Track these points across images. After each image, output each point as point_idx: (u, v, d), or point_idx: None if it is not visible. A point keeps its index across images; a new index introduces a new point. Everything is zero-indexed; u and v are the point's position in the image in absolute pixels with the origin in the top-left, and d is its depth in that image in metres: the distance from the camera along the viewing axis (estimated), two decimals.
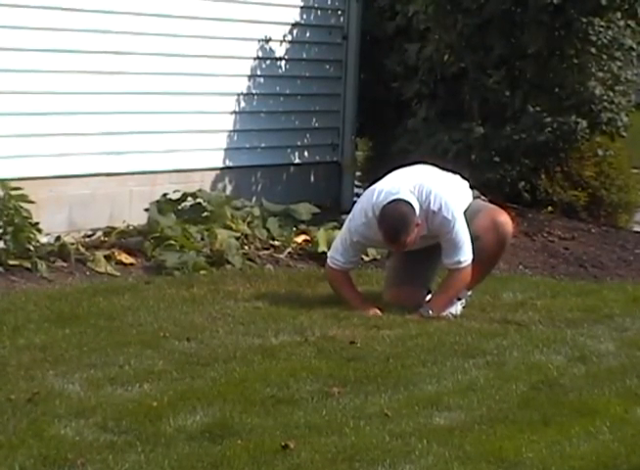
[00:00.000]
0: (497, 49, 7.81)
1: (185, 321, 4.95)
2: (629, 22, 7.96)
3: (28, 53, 6.45)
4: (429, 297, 5.66)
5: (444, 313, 5.38)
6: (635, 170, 9.76)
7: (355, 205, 5.70)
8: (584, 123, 7.88)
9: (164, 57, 7.24)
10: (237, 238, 6.65)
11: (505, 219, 5.50)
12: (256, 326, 4.86)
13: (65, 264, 6.20)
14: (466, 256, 5.33)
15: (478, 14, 7.71)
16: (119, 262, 6.36)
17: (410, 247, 5.26)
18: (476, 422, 3.61)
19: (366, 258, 6.86)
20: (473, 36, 7.90)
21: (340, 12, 8.43)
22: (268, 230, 6.99)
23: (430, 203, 5.26)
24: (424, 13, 7.92)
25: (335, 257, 5.45)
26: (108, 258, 6.31)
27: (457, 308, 5.43)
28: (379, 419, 3.60)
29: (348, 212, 5.74)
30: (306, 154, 8.33)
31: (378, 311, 5.32)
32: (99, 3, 6.81)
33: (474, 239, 5.38)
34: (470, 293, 5.58)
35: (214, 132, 7.60)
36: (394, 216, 5.14)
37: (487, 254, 5.41)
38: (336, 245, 5.58)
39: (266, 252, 6.78)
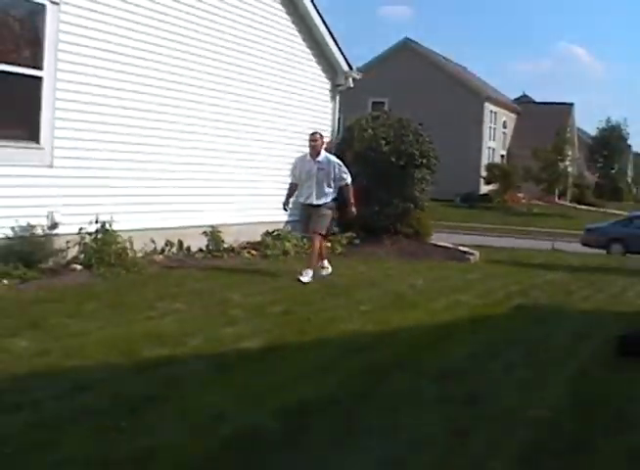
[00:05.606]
0: (384, 178, 15.38)
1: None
2: (427, 170, 16.23)
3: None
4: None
5: None
6: (432, 221, 17.88)
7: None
8: (412, 205, 16.01)
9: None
10: None
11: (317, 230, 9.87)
12: None
13: (233, 254, 12.91)
14: (349, 179, 9.90)
15: (373, 164, 15.49)
16: (250, 254, 13.27)
17: (316, 149, 9.72)
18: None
19: (337, 251, 13.75)
20: (375, 171, 15.46)
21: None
22: None
23: (336, 162, 10.01)
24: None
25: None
26: (247, 252, 13.65)
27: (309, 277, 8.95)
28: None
29: None
30: None
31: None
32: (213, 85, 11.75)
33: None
34: (329, 271, 9.90)
35: None
36: (315, 131, 10.13)
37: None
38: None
39: None
